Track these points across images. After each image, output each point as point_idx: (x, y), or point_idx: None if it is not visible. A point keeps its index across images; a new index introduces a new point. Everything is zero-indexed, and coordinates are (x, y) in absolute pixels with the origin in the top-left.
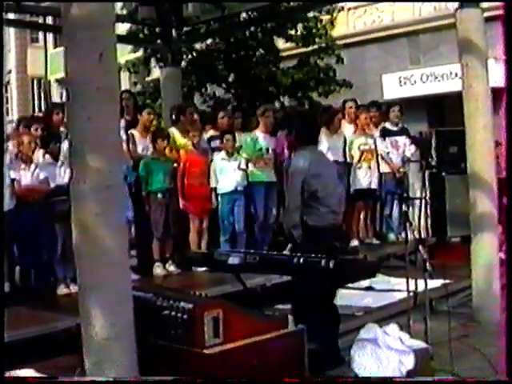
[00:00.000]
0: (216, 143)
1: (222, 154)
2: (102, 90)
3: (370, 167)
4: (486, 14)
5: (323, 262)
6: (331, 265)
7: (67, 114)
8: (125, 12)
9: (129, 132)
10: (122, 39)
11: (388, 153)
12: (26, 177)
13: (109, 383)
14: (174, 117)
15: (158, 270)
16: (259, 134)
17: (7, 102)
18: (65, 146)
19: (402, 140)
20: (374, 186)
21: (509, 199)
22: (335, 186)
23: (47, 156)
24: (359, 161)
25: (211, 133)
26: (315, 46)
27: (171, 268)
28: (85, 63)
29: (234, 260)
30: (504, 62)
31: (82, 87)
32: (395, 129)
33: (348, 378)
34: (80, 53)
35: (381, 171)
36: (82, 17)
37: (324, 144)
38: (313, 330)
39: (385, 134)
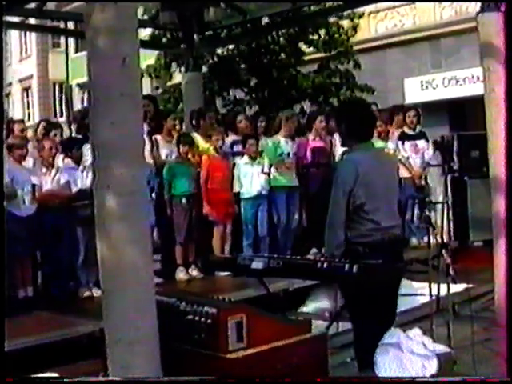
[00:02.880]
0: (239, 148)
1: (245, 158)
2: (124, 95)
3: None
4: None
5: (347, 266)
6: (355, 269)
7: (90, 119)
8: (146, 17)
9: (153, 137)
10: (143, 44)
11: (408, 157)
12: (47, 181)
13: (109, 383)
14: (194, 121)
15: (180, 274)
16: (281, 138)
17: (28, 107)
18: (86, 150)
19: (422, 144)
20: None
21: (509, 199)
22: (388, 194)
23: (68, 160)
24: None
25: (233, 137)
26: (339, 50)
27: (194, 272)
28: (108, 68)
29: (257, 264)
30: (504, 62)
31: (104, 92)
32: (414, 133)
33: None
34: (103, 58)
35: (400, 176)
36: (104, 22)
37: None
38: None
39: (404, 138)
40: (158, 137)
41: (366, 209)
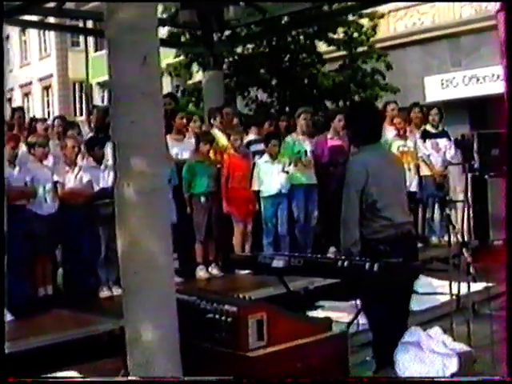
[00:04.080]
0: (257, 147)
1: (266, 157)
2: (145, 94)
3: (409, 169)
4: None
5: (367, 265)
6: (375, 268)
7: (111, 118)
8: (165, 16)
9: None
10: (163, 43)
11: (429, 155)
12: (69, 180)
13: (109, 383)
14: (212, 119)
15: (200, 273)
16: (298, 136)
17: (48, 106)
18: (108, 149)
19: (443, 142)
20: (414, 188)
21: (509, 199)
22: (397, 193)
23: (90, 159)
24: None
25: (252, 136)
26: (359, 50)
27: (214, 271)
28: (128, 67)
29: (278, 263)
30: (504, 62)
31: (125, 91)
32: (435, 131)
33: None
34: (123, 57)
35: (421, 174)
36: (124, 21)
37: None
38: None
39: (425, 136)
40: (168, 136)
41: (378, 206)
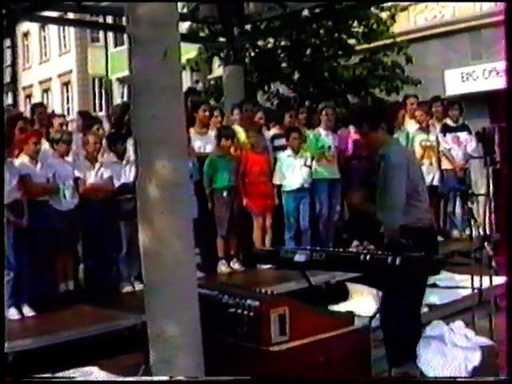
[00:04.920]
0: (280, 142)
1: (288, 151)
2: (166, 89)
3: (431, 164)
4: None
5: (389, 259)
6: (397, 262)
7: (132, 113)
8: (186, 10)
9: None
10: (183, 38)
11: (449, 149)
12: (90, 175)
13: (110, 383)
14: (233, 114)
15: (222, 267)
16: (321, 131)
17: (68, 102)
18: (130, 145)
19: (464, 136)
20: (436, 182)
21: (508, 199)
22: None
23: (112, 155)
24: (422, 158)
25: (275, 131)
26: (379, 43)
27: (236, 266)
28: (149, 62)
29: (300, 257)
30: (504, 62)
31: (146, 86)
32: (456, 125)
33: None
34: (144, 51)
35: (442, 168)
36: (145, 16)
37: None
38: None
39: (446, 130)
40: (191, 129)
41: (420, 192)
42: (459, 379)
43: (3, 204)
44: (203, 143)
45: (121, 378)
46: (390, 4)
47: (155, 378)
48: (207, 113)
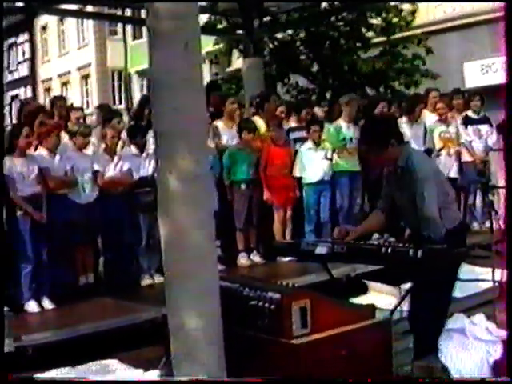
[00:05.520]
0: (297, 134)
1: (309, 143)
2: (187, 80)
3: (449, 155)
4: None
5: (411, 251)
6: (419, 254)
7: (152, 106)
8: (204, 3)
9: (213, 123)
10: (203, 30)
11: (470, 141)
12: (109, 168)
13: (110, 383)
14: (256, 106)
15: (242, 260)
16: (342, 123)
17: (87, 95)
18: (150, 138)
19: (485, 128)
20: (454, 174)
21: (508, 199)
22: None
23: (131, 148)
24: (440, 149)
25: (293, 123)
26: (398, 35)
27: (256, 258)
28: (170, 54)
29: (321, 250)
30: (505, 62)
31: (166, 78)
32: (477, 117)
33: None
34: (164, 44)
35: (462, 160)
36: (165, 8)
37: (406, 132)
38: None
39: (467, 122)
40: (219, 123)
41: (450, 195)
42: (458, 379)
43: (3, 203)
44: (230, 137)
45: (133, 379)
46: None
47: (175, 379)
48: (235, 105)
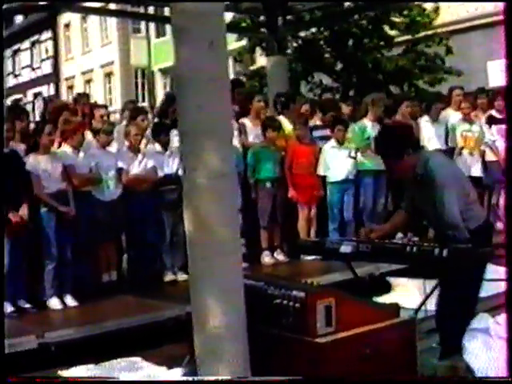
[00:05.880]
0: (320, 132)
1: (333, 142)
2: (212, 79)
3: (472, 154)
4: None
5: (436, 250)
6: (445, 253)
7: (177, 103)
8: (229, 2)
9: (239, 121)
10: (228, 28)
11: (494, 141)
12: (133, 166)
13: (110, 383)
14: (281, 105)
15: (266, 258)
16: (368, 122)
17: (110, 93)
18: (173, 136)
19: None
20: (477, 173)
21: (509, 199)
22: None
23: (155, 145)
24: (462, 148)
25: (316, 122)
26: (421, 34)
27: (279, 257)
28: (195, 52)
29: (346, 248)
30: (505, 61)
31: (192, 76)
32: (501, 116)
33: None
34: (190, 41)
35: (486, 159)
36: (191, 6)
37: (427, 131)
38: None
39: (491, 121)
40: (245, 120)
41: (471, 195)
42: (457, 379)
43: (3, 204)
44: (257, 134)
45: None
46: None
47: (196, 378)
48: (261, 103)
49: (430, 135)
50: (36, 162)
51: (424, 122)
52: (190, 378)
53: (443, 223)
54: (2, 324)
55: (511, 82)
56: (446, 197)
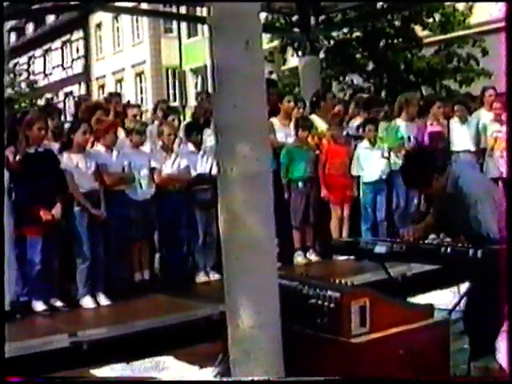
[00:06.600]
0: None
1: (365, 142)
2: (248, 78)
3: (502, 156)
4: None
5: (471, 251)
6: (479, 254)
7: (213, 102)
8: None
9: (269, 120)
10: (262, 28)
11: None
12: (166, 166)
13: (111, 383)
14: (312, 104)
15: (298, 258)
16: (401, 122)
17: (141, 92)
18: (206, 135)
19: None
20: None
21: (509, 199)
22: None
23: (188, 145)
24: (492, 148)
25: (357, 121)
26: (454, 34)
27: (312, 256)
28: (231, 51)
29: (380, 249)
30: (505, 60)
31: (228, 75)
32: None
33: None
34: (226, 41)
35: None
36: (227, 6)
37: (457, 132)
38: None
39: None
40: (274, 120)
41: (503, 204)
42: (459, 379)
43: (3, 204)
44: (285, 135)
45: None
46: None
47: (230, 379)
48: (292, 103)
49: (460, 136)
50: (70, 161)
51: (454, 123)
52: (224, 379)
53: (480, 237)
54: (2, 324)
55: (511, 82)
56: (481, 214)
